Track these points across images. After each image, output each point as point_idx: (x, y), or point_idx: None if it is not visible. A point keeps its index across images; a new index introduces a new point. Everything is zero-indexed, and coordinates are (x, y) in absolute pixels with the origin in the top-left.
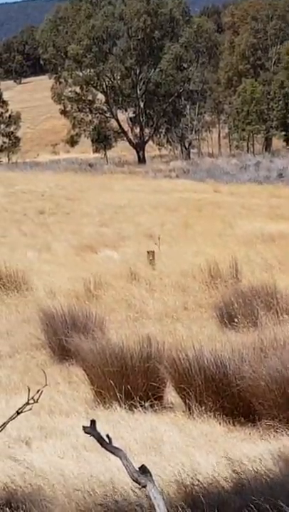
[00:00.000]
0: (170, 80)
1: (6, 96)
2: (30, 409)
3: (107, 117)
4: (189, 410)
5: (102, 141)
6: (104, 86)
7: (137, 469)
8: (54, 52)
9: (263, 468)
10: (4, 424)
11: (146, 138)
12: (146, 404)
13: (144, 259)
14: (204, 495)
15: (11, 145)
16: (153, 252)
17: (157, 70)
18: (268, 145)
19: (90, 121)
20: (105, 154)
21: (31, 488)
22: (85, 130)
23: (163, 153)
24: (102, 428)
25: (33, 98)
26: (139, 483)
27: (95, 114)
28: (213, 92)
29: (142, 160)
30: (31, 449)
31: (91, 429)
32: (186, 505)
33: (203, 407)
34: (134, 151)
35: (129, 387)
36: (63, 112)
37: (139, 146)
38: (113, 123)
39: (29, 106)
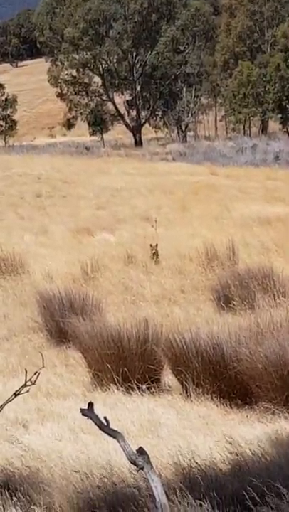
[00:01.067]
0: (167, 62)
1: (2, 79)
2: (28, 391)
3: (103, 100)
4: (186, 393)
5: (98, 124)
6: (100, 69)
7: (135, 451)
8: (50, 35)
9: (260, 450)
10: (2, 407)
11: (143, 121)
12: (144, 386)
13: (140, 241)
14: (202, 477)
15: (7, 128)
16: (156, 245)
17: (154, 52)
18: (264, 128)
19: (87, 104)
20: (102, 137)
21: (29, 471)
22: (81, 113)
23: (159, 136)
24: (99, 410)
25: (29, 81)
26: (136, 466)
27: (92, 97)
28: (210, 74)
29: (138, 143)
30: (29, 431)
31: (89, 412)
32: (183, 487)
33: (201, 390)
34: (131, 134)
35: (126, 369)
36: (60, 95)
37: (136, 129)
38: (110, 106)
39: (26, 89)
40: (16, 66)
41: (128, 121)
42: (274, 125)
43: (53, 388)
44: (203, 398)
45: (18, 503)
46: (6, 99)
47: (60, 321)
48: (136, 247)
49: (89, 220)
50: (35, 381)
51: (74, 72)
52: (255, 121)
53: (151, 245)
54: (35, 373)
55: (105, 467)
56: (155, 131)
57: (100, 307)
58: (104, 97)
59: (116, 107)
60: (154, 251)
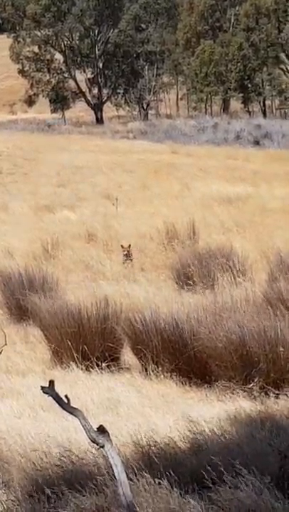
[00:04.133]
0: (129, 40)
1: None
2: None
3: (65, 77)
4: (146, 371)
5: (60, 101)
6: (62, 46)
7: (95, 429)
8: (12, 12)
9: (219, 429)
10: None
11: (105, 99)
12: (103, 364)
13: (101, 220)
14: (161, 455)
15: None
16: (129, 246)
17: (116, 30)
18: (225, 107)
19: (48, 81)
20: (63, 115)
21: None
22: (43, 90)
23: (121, 114)
24: (59, 388)
25: None
26: (97, 444)
27: (53, 74)
28: (172, 53)
29: (99, 121)
30: None
31: (49, 390)
32: (142, 465)
33: (160, 368)
34: (92, 112)
35: (86, 347)
36: (21, 72)
37: (97, 107)
38: (71, 83)
39: None
40: None
41: (90, 98)
42: (236, 104)
43: (12, 365)
44: (163, 377)
45: None
46: None
47: (20, 299)
48: (97, 225)
49: (50, 198)
50: None
51: (36, 49)
52: (216, 100)
53: (122, 246)
54: None
55: (65, 445)
56: (116, 109)
57: (60, 285)
58: (65, 75)
59: (78, 85)
60: (125, 252)
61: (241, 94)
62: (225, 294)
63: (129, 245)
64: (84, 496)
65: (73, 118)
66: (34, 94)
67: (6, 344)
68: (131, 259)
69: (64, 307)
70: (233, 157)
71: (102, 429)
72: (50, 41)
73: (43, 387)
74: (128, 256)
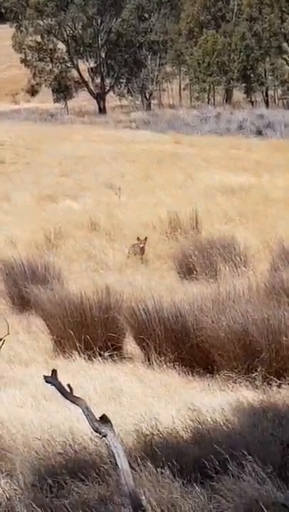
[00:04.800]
0: (132, 30)
1: None
2: None
3: (67, 67)
4: (148, 361)
5: (62, 91)
6: (65, 35)
7: (98, 419)
8: (15, 1)
9: (221, 418)
10: None
11: (107, 88)
12: (106, 354)
13: (104, 209)
14: (163, 445)
15: None
16: (145, 238)
17: (119, 20)
18: (228, 97)
19: (51, 70)
20: (66, 104)
21: None
22: (45, 80)
23: (124, 103)
24: (61, 378)
25: None
26: (99, 433)
27: (56, 63)
28: (175, 43)
29: (102, 110)
30: None
31: (52, 379)
32: (145, 454)
33: (163, 358)
34: (95, 102)
35: (88, 337)
36: (24, 61)
37: (100, 97)
38: (74, 73)
39: None
40: None
41: (92, 88)
42: (238, 94)
43: (15, 355)
44: (166, 366)
45: None
46: None
47: (23, 289)
48: (99, 215)
49: (53, 187)
50: (0, 347)
51: (38, 39)
52: (219, 90)
53: (138, 238)
54: (0, 340)
55: (67, 434)
56: (119, 99)
57: (63, 275)
58: (68, 64)
59: (80, 74)
60: (142, 245)
61: (244, 85)
62: (227, 284)
63: (146, 238)
64: (86, 485)
65: (76, 108)
66: (37, 83)
67: (8, 334)
68: (142, 253)
69: (66, 297)
70: (235, 147)
71: (104, 419)
72: (53, 31)
73: (45, 377)
74: (142, 250)
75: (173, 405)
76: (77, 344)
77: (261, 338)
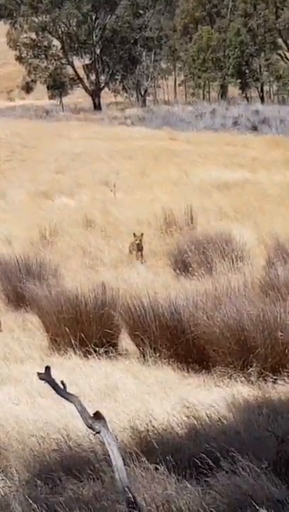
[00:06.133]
0: (126, 26)
1: None
2: None
3: (62, 64)
4: (144, 357)
5: (57, 87)
6: (60, 32)
7: (91, 415)
8: None
9: (217, 414)
10: None
11: (102, 85)
12: (101, 351)
13: (99, 206)
14: (158, 441)
15: None
16: (142, 235)
17: (114, 16)
18: (223, 93)
19: (46, 67)
20: (61, 101)
21: None
22: (40, 77)
23: (119, 100)
24: (57, 375)
25: None
26: (93, 429)
27: (51, 60)
28: (169, 39)
29: (97, 107)
30: None
31: (45, 376)
32: (140, 451)
33: (158, 354)
34: (90, 98)
35: (83, 334)
36: (19, 58)
37: (95, 93)
38: (69, 70)
39: None
40: None
41: (87, 85)
42: (233, 90)
43: (10, 352)
44: (161, 362)
45: None
46: None
47: (18, 286)
48: (95, 212)
49: (48, 185)
50: None
51: (33, 36)
52: (214, 86)
53: (134, 234)
54: None
55: (62, 431)
56: (114, 96)
57: (58, 271)
58: (63, 61)
59: (75, 71)
60: (138, 242)
61: (239, 80)
62: (223, 280)
63: (142, 234)
64: (81, 481)
65: (71, 104)
66: (32, 80)
67: (1, 331)
68: (141, 250)
69: (62, 294)
70: (231, 143)
71: (98, 415)
72: (48, 27)
73: (39, 373)
74: (139, 247)
75: (168, 401)
76: (73, 341)
77: (256, 333)
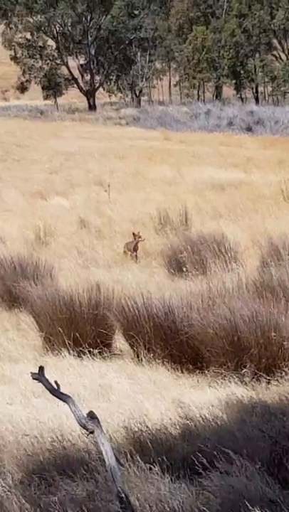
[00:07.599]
0: (121, 27)
1: None
2: None
3: (57, 64)
4: (138, 357)
5: (52, 87)
6: (55, 32)
7: (85, 415)
8: None
9: (210, 415)
10: None
11: (97, 85)
12: (95, 351)
13: (94, 206)
14: (152, 441)
15: None
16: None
17: (109, 16)
18: (218, 93)
19: (41, 67)
20: (56, 101)
21: None
22: (35, 77)
23: (113, 100)
24: (50, 375)
25: None
26: (86, 429)
27: (46, 60)
28: (164, 39)
29: (92, 107)
30: None
31: (39, 376)
32: (134, 451)
33: (152, 355)
34: (85, 98)
35: (78, 334)
36: (13, 58)
37: (90, 93)
38: (64, 70)
39: None
40: None
41: (82, 85)
42: (228, 90)
43: (4, 352)
44: (155, 363)
45: None
46: None
47: (12, 286)
48: (89, 212)
49: (42, 184)
50: None
51: (28, 36)
52: (209, 87)
53: (134, 234)
54: None
55: (56, 431)
56: (109, 96)
57: (53, 271)
58: (58, 61)
59: (70, 71)
60: (136, 241)
61: (234, 81)
62: (217, 280)
63: (138, 232)
64: (75, 481)
65: (66, 104)
66: (27, 80)
67: None
68: (136, 250)
69: (56, 294)
70: (225, 143)
71: (91, 415)
72: (43, 27)
73: (32, 374)
74: (136, 247)
75: (162, 402)
76: (67, 341)
77: (250, 334)
